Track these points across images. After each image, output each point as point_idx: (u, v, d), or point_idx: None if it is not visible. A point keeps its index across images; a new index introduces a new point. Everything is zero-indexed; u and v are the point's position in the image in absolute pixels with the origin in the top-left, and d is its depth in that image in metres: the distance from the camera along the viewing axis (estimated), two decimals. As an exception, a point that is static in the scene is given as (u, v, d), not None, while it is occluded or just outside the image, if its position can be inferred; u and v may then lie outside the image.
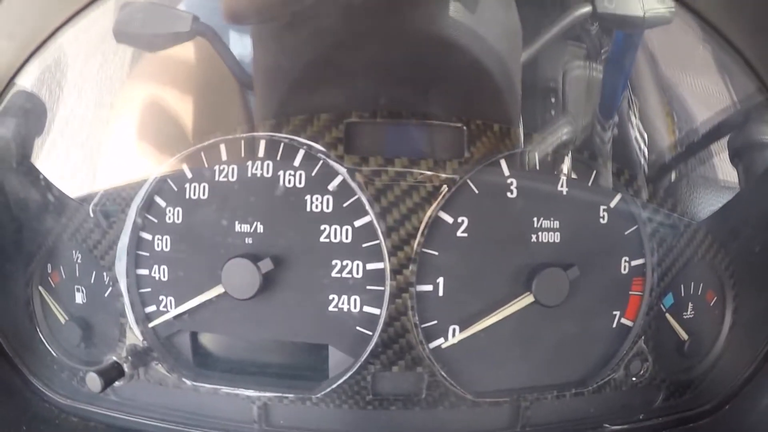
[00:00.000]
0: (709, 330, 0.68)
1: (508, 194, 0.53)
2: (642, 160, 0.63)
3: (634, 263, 0.60)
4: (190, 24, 0.52)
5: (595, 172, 0.57)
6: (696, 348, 0.67)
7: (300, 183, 0.51)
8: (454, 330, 0.53)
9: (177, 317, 0.54)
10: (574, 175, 0.56)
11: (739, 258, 0.66)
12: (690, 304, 0.66)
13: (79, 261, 0.61)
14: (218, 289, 0.50)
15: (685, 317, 0.66)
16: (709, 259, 0.64)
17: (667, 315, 0.65)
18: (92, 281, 0.61)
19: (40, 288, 0.64)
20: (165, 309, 0.55)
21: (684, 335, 0.66)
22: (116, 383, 0.55)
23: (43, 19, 0.43)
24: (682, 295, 0.65)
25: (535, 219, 0.54)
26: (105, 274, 0.59)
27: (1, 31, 0.41)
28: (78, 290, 0.62)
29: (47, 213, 0.60)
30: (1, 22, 0.39)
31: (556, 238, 0.55)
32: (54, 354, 0.64)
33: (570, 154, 0.55)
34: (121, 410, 0.61)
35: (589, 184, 0.57)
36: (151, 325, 0.56)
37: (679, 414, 0.67)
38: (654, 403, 0.66)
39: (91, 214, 0.57)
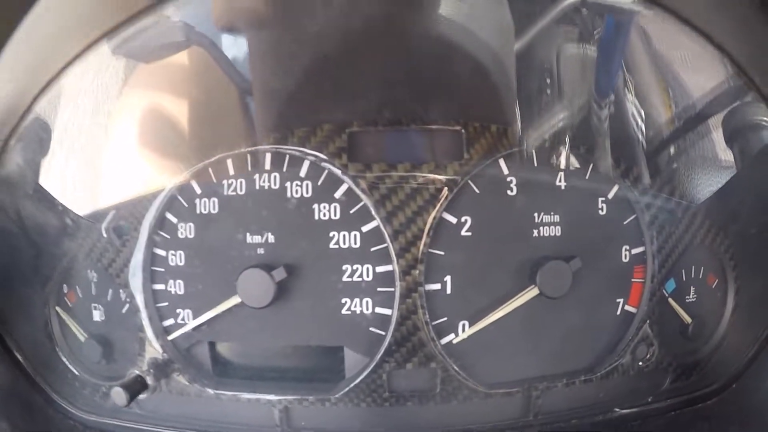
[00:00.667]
0: (711, 312, 0.71)
1: (509, 192, 0.56)
2: (640, 140, 0.65)
3: (634, 251, 0.63)
4: (185, 33, 0.55)
5: (591, 165, 0.60)
6: (700, 330, 0.69)
7: (307, 193, 0.54)
8: (463, 325, 0.56)
9: (196, 329, 0.58)
10: (572, 167, 0.59)
11: (738, 240, 0.68)
12: (692, 288, 0.69)
13: (94, 280, 0.65)
14: (234, 300, 0.54)
15: (687, 301, 0.69)
16: (709, 242, 0.67)
17: (670, 300, 0.68)
18: (109, 299, 0.64)
19: (58, 308, 0.67)
20: (183, 321, 0.59)
21: (687, 319, 0.69)
22: (140, 396, 0.58)
23: (58, 53, 0.46)
24: (684, 279, 0.69)
25: (535, 214, 0.57)
26: (121, 291, 0.62)
27: (19, 64, 0.44)
28: (95, 308, 0.66)
29: (62, 236, 0.63)
30: (19, 55, 0.42)
31: (557, 231, 0.58)
32: (75, 371, 0.67)
33: (567, 147, 0.58)
34: (145, 422, 0.64)
35: (587, 176, 0.59)
36: (170, 337, 0.59)
37: (686, 395, 0.70)
38: (662, 386, 0.69)
39: (104, 234, 0.61)
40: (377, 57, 0.52)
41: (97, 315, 0.65)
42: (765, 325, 0.70)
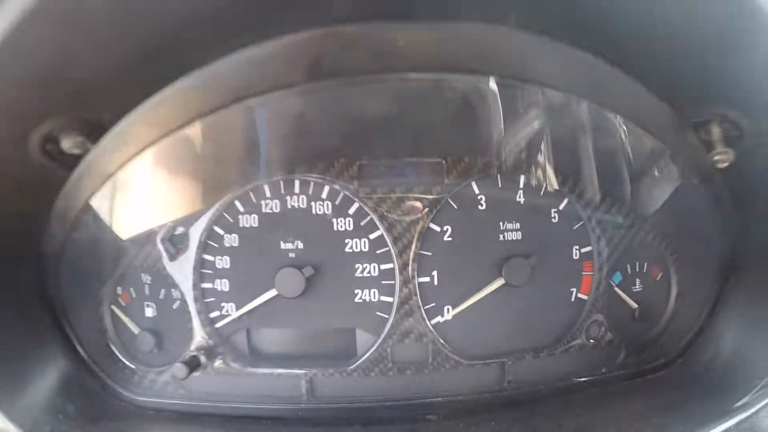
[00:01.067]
0: (657, 299, 0.85)
1: (479, 207, 0.75)
2: (585, 161, 0.79)
3: (583, 250, 0.80)
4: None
5: (545, 183, 0.78)
6: (646, 314, 0.84)
7: (327, 210, 0.72)
8: (447, 309, 0.74)
9: (239, 318, 0.74)
10: (529, 186, 0.76)
11: (675, 240, 0.83)
12: (637, 280, 0.84)
13: (148, 282, 0.80)
14: (272, 293, 0.71)
15: (634, 290, 0.84)
16: (649, 242, 0.82)
17: (617, 289, 0.83)
18: (161, 297, 0.79)
19: (112, 307, 0.81)
20: (227, 313, 0.75)
21: (633, 305, 0.84)
22: (193, 373, 0.73)
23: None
24: (629, 272, 0.84)
25: (500, 223, 0.75)
26: (173, 290, 0.78)
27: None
28: (148, 306, 0.80)
29: (121, 249, 0.77)
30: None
31: (518, 235, 0.76)
32: (125, 361, 0.81)
33: (524, 171, 0.76)
34: (190, 400, 0.78)
35: (541, 193, 0.77)
36: (217, 326, 0.75)
37: (638, 368, 0.83)
38: (616, 360, 0.83)
39: (159, 245, 0.76)
40: (381, 114, 0.71)
41: (150, 311, 0.80)
42: (704, 310, 0.84)
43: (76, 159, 0.57)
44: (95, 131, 0.54)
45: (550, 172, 0.76)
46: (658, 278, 0.86)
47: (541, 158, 0.76)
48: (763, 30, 0.44)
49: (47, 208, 0.66)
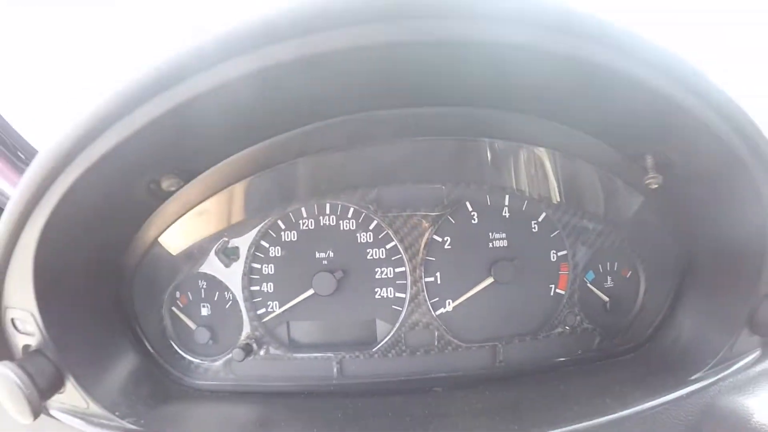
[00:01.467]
0: (627, 294, 1.01)
1: (473, 221, 0.95)
2: (558, 183, 0.98)
3: (559, 254, 0.98)
4: None
5: (526, 200, 0.98)
6: (617, 307, 1.00)
7: (352, 226, 0.92)
8: (449, 302, 0.94)
9: (282, 313, 0.93)
10: (513, 203, 0.97)
11: (638, 245, 0.98)
12: (609, 277, 1.01)
13: (204, 287, 0.99)
14: (309, 292, 0.90)
15: (606, 286, 1.01)
16: (616, 247, 0.98)
17: (590, 285, 0.99)
18: (215, 299, 0.98)
19: (173, 308, 1.00)
20: (272, 310, 0.94)
21: (605, 298, 0.99)
22: (247, 358, 0.93)
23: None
24: (601, 271, 1.01)
25: (490, 233, 0.95)
26: (226, 293, 0.97)
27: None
28: (204, 306, 0.98)
29: (184, 261, 0.95)
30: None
31: (504, 243, 0.95)
32: (183, 353, 0.98)
33: (508, 192, 0.95)
34: (238, 381, 0.97)
35: (523, 208, 0.96)
36: (263, 320, 0.95)
37: (610, 351, 0.99)
38: (592, 345, 0.98)
39: (215, 257, 0.96)
40: (393, 154, 0.92)
41: (205, 311, 0.98)
42: (666, 302, 0.99)
43: (169, 194, 0.77)
44: (188, 175, 0.75)
45: (529, 192, 0.96)
46: (628, 276, 1.02)
47: (522, 182, 0.96)
48: (686, 114, 0.61)
49: (135, 230, 0.86)
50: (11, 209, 0.59)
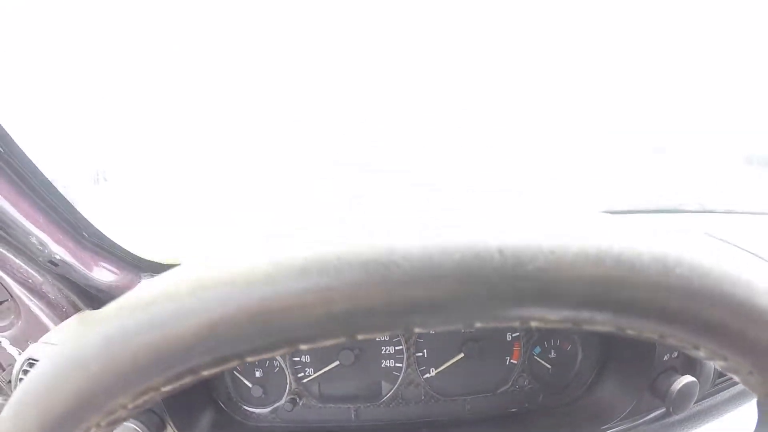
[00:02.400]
0: (566, 362, 1.24)
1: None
2: None
3: (514, 335, 1.34)
4: None
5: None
6: (558, 373, 1.32)
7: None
8: (432, 369, 1.35)
9: (315, 377, 1.38)
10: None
11: (575, 329, 1.43)
12: (552, 351, 1.36)
13: (258, 357, 1.43)
14: (336, 363, 1.35)
15: (550, 357, 1.34)
16: (560, 329, 1.34)
17: (536, 357, 1.36)
18: (266, 364, 1.43)
19: (235, 372, 1.45)
20: (309, 374, 1.37)
21: (548, 366, 1.22)
22: (294, 407, 1.36)
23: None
24: (546, 346, 1.35)
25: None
26: (274, 361, 1.41)
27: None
28: (257, 370, 1.43)
29: None
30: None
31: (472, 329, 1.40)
32: (242, 404, 1.43)
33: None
34: (285, 424, 1.38)
35: None
36: (303, 381, 1.39)
37: (552, 404, 1.27)
38: (537, 400, 1.24)
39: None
40: None
41: (258, 373, 1.41)
42: (595, 370, 1.25)
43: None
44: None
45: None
46: (568, 349, 1.38)
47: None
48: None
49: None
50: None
